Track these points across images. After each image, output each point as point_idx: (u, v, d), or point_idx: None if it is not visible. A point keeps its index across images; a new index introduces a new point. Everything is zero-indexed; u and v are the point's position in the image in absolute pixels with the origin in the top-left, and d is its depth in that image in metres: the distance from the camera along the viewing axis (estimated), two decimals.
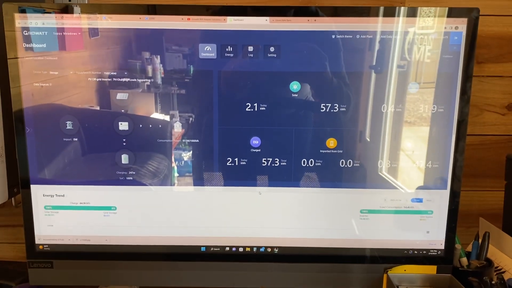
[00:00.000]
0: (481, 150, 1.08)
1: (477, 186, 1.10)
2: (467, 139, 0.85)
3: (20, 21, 0.80)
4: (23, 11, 0.80)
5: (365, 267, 0.89)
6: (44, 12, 0.80)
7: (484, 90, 1.05)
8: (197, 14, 0.80)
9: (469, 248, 0.94)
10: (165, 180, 0.86)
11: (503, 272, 0.91)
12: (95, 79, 0.82)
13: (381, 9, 0.81)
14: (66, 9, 0.80)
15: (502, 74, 1.05)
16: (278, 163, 0.85)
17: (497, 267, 0.92)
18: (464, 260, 0.90)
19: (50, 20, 0.80)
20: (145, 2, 0.81)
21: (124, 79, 0.82)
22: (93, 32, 0.81)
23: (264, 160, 0.85)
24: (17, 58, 0.81)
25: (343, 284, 0.90)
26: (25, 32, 0.80)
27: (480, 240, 0.92)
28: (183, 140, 0.85)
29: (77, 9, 0.80)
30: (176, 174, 0.86)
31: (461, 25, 0.80)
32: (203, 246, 0.89)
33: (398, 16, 0.81)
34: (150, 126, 0.84)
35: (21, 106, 0.83)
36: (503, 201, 1.00)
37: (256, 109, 0.83)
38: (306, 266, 0.89)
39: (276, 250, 0.89)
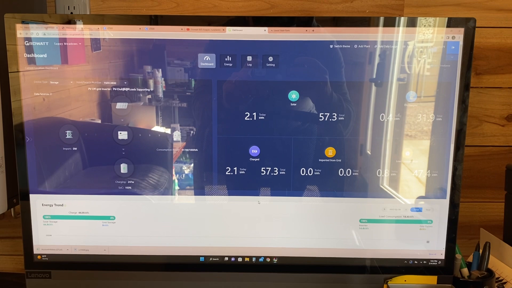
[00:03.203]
0: (481, 161, 1.08)
1: (477, 197, 1.09)
2: (467, 150, 0.85)
3: (21, 31, 0.81)
4: (25, 22, 0.81)
5: (365, 278, 0.88)
6: (46, 22, 0.81)
7: (483, 101, 1.06)
8: (197, 24, 0.81)
9: (470, 258, 0.93)
10: (164, 189, 0.86)
11: (505, 282, 0.90)
12: (96, 92, 0.83)
13: (380, 19, 0.81)
14: (68, 20, 0.81)
15: (501, 85, 1.05)
16: (277, 172, 0.85)
17: (498, 277, 0.91)
18: (465, 270, 0.89)
19: (52, 31, 0.81)
20: (145, 13, 0.82)
21: (124, 89, 0.83)
22: (95, 46, 0.82)
23: (263, 169, 0.85)
24: (18, 71, 0.82)
25: None
26: (26, 43, 0.81)
27: (481, 251, 0.91)
28: (182, 149, 0.85)
29: (79, 19, 0.81)
30: (174, 183, 0.86)
31: (458, 34, 0.81)
32: (202, 256, 0.88)
33: (396, 26, 0.81)
34: (149, 135, 0.85)
35: (22, 117, 0.83)
36: (503, 212, 1.00)
37: (255, 118, 0.84)
38: (306, 276, 0.89)
39: (275, 260, 0.88)
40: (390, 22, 0.81)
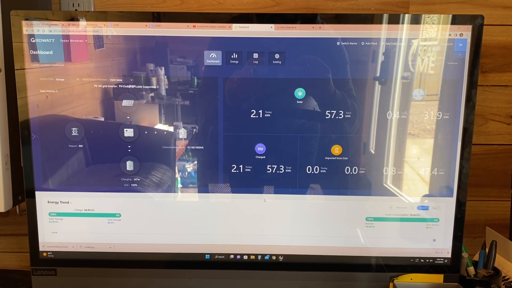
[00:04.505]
0: (486, 159, 1.07)
1: (483, 196, 1.09)
2: (472, 149, 0.85)
3: (27, 28, 0.81)
4: (28, 19, 0.80)
5: (371, 276, 0.88)
6: (49, 20, 0.81)
7: (489, 99, 1.05)
8: (203, 21, 0.81)
9: (476, 257, 0.93)
10: (169, 187, 0.86)
11: (511, 281, 0.90)
12: (100, 90, 0.83)
13: (386, 16, 0.81)
14: (72, 17, 0.81)
15: (507, 84, 1.04)
16: (283, 170, 0.85)
17: (504, 276, 0.91)
18: (471, 269, 0.89)
19: (57, 28, 0.81)
20: (151, 10, 0.82)
21: (129, 86, 0.83)
22: (98, 44, 0.81)
23: (269, 167, 0.85)
24: (24, 69, 0.82)
25: None
26: (31, 40, 0.81)
27: (487, 250, 0.91)
28: (188, 147, 0.85)
29: (82, 17, 0.81)
30: (180, 181, 0.86)
31: (465, 32, 0.81)
32: (207, 253, 0.88)
33: (403, 23, 0.81)
34: (155, 133, 0.85)
35: (28, 114, 0.83)
36: (509, 211, 0.99)
37: (261, 116, 0.83)
38: (311, 275, 0.88)
39: (281, 258, 0.88)
40: (398, 20, 0.81)
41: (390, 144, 0.85)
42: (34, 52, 0.81)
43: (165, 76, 0.82)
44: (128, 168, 0.85)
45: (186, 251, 0.88)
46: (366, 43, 0.81)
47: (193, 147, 0.85)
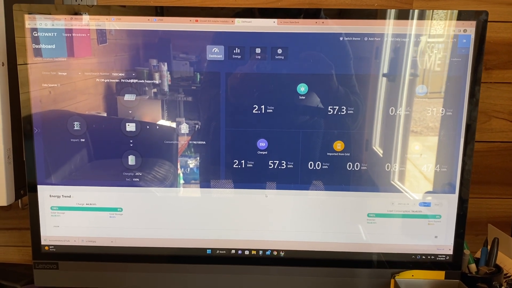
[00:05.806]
0: (489, 157, 1.07)
1: (485, 193, 1.08)
2: (475, 146, 0.84)
3: (30, 22, 0.80)
4: (31, 14, 0.80)
5: (372, 272, 0.88)
6: (52, 14, 0.81)
7: (492, 96, 1.05)
8: (205, 15, 0.80)
9: (478, 255, 0.93)
10: (171, 181, 0.86)
11: None
12: (102, 85, 0.83)
13: (390, 11, 0.81)
14: (75, 12, 0.81)
15: (511, 81, 1.04)
16: (285, 166, 0.85)
17: (506, 273, 0.90)
18: (473, 266, 0.89)
19: (59, 22, 0.81)
20: (153, 4, 0.82)
21: (132, 81, 0.83)
22: (102, 39, 0.81)
23: (271, 162, 0.85)
24: (26, 64, 0.82)
25: None
26: (34, 34, 0.81)
27: (489, 247, 0.91)
28: (190, 142, 0.85)
29: (85, 12, 0.81)
30: (182, 176, 0.86)
31: (469, 28, 0.80)
32: (208, 248, 0.88)
33: (406, 18, 0.81)
34: (157, 128, 0.85)
35: (30, 108, 0.83)
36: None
37: (263, 111, 0.83)
38: (312, 270, 0.88)
39: (282, 254, 0.88)
40: (402, 15, 0.81)
41: (392, 140, 0.84)
42: (37, 46, 0.81)
43: (168, 72, 0.82)
44: (130, 163, 0.85)
45: (187, 246, 0.88)
46: (369, 39, 0.81)
47: (195, 142, 0.85)
